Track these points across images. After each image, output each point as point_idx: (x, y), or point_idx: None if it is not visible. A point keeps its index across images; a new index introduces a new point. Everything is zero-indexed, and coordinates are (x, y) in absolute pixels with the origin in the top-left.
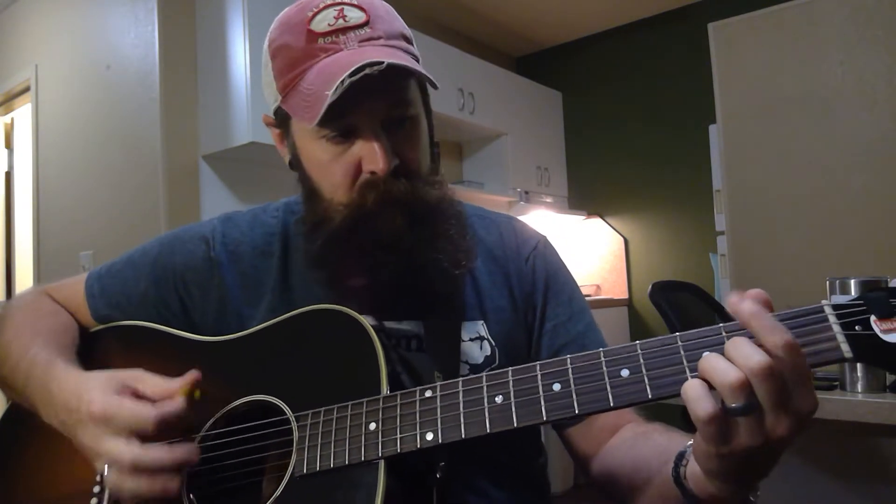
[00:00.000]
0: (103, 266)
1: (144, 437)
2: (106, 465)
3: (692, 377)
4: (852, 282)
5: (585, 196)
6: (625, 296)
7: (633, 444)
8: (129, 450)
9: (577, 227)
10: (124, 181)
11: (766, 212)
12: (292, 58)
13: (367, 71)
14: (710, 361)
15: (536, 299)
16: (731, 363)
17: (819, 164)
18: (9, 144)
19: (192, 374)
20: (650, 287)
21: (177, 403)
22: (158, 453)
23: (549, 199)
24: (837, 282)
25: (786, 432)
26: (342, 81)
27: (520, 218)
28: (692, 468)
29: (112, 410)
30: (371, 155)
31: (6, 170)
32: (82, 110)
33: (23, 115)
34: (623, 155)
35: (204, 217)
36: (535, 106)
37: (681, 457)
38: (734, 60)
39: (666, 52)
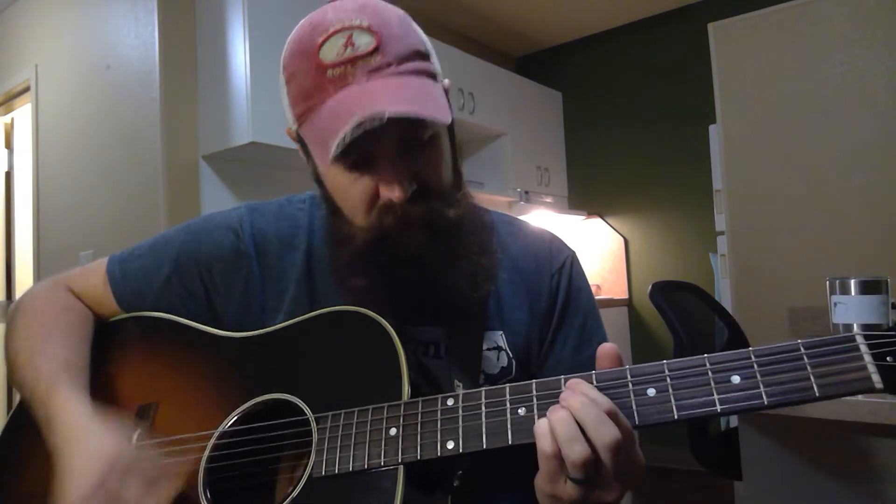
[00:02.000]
0: (124, 251)
1: None
2: None
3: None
4: (852, 282)
5: (585, 196)
6: (625, 296)
7: None
8: None
9: (577, 227)
10: (124, 181)
11: (766, 212)
12: (304, 88)
13: (366, 127)
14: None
15: (552, 317)
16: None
17: (819, 164)
18: (9, 144)
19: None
20: (650, 287)
21: None
22: None
23: (549, 199)
24: (837, 282)
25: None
26: (344, 136)
27: (525, 218)
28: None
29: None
30: (388, 183)
31: (6, 170)
32: (82, 110)
33: (23, 115)
34: (623, 155)
35: None
36: (535, 106)
37: None
38: (734, 60)
39: (666, 52)
